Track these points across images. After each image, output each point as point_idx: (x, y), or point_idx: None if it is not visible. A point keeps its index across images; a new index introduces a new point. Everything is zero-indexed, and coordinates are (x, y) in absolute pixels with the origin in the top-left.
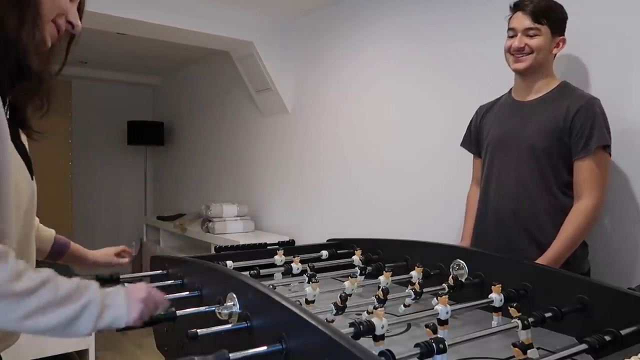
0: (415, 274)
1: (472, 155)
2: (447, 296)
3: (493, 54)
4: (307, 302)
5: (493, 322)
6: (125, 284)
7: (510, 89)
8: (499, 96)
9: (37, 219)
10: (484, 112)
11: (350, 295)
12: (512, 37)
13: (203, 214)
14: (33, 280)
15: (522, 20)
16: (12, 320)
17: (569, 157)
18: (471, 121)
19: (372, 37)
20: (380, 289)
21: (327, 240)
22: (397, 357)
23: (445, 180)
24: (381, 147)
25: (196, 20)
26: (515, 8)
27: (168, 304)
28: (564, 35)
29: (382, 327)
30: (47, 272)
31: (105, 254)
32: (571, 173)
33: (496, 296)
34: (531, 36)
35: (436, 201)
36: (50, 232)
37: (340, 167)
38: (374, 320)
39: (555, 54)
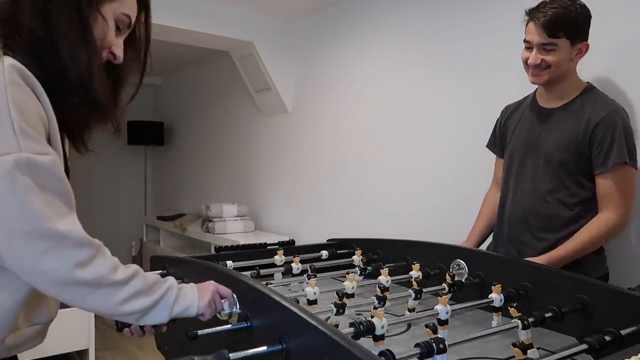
0: (414, 273)
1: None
2: (447, 296)
3: (499, 50)
4: (310, 302)
5: (493, 322)
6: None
7: (536, 90)
8: (524, 96)
9: None
10: (509, 113)
11: (352, 295)
12: (528, 48)
13: (203, 214)
14: (127, 272)
15: (537, 35)
16: (111, 305)
17: (589, 170)
18: (496, 122)
19: (373, 37)
20: (378, 287)
21: (327, 240)
22: (397, 357)
23: (448, 180)
24: (382, 147)
25: (196, 20)
26: (529, 16)
27: (233, 297)
28: (586, 40)
29: (382, 327)
30: (135, 266)
31: None
32: (593, 186)
33: (496, 296)
34: (548, 51)
35: (437, 201)
36: None
37: (341, 167)
38: (374, 320)
39: (578, 61)
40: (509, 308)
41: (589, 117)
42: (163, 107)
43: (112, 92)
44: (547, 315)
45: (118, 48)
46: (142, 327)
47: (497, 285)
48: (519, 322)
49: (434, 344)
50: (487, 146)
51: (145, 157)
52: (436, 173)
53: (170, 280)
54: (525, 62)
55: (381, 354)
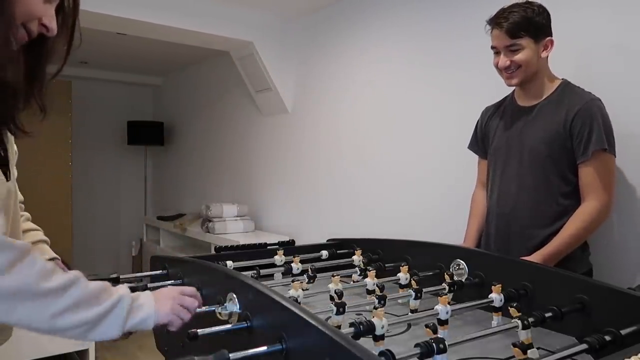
0: (402, 275)
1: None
2: (447, 296)
3: None
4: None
5: (493, 322)
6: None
7: (514, 90)
8: (503, 97)
9: (41, 235)
10: (489, 115)
11: (340, 294)
12: (496, 53)
13: (203, 214)
14: (62, 279)
15: (501, 39)
16: (44, 318)
17: (574, 163)
18: (477, 123)
19: (373, 37)
20: (377, 287)
21: (327, 240)
22: (397, 357)
23: (448, 181)
24: (381, 147)
25: (196, 20)
26: (491, 24)
27: (196, 310)
28: (550, 35)
29: (382, 327)
30: (75, 273)
31: None
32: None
33: (496, 296)
34: (514, 51)
35: (437, 201)
36: (45, 255)
37: (341, 166)
38: (374, 320)
39: (547, 56)
40: (509, 308)
41: (567, 110)
42: (163, 107)
43: (31, 70)
44: (547, 315)
45: (50, 18)
46: None
47: (497, 286)
48: (519, 322)
49: (434, 344)
50: (468, 147)
51: (145, 157)
52: (436, 173)
53: (122, 289)
54: (497, 66)
55: (381, 354)
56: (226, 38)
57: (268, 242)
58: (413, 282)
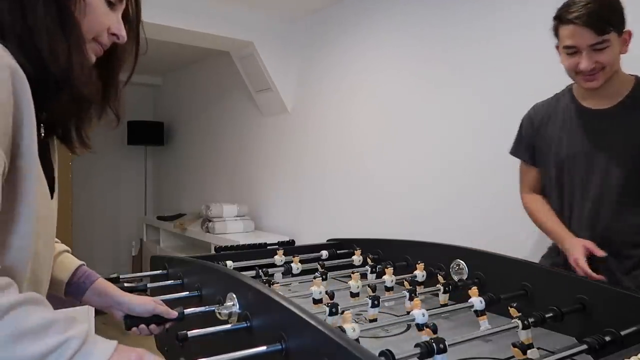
0: (419, 273)
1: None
2: (419, 300)
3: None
4: (315, 301)
5: (480, 327)
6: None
7: (571, 90)
8: (552, 95)
9: (63, 246)
10: (544, 120)
11: (357, 295)
12: (572, 54)
13: (203, 214)
14: (8, 299)
15: (584, 37)
16: None
17: None
18: (522, 126)
19: (373, 37)
20: (369, 287)
21: (327, 240)
22: (397, 357)
23: (447, 181)
24: (382, 147)
25: (196, 20)
26: (562, 20)
27: None
28: (625, 26)
29: (353, 330)
30: (27, 296)
31: (144, 302)
32: None
33: (476, 300)
34: (599, 50)
35: (436, 202)
36: (73, 262)
37: (341, 167)
38: (345, 326)
39: (625, 52)
40: (509, 308)
41: None
42: (163, 107)
43: (105, 81)
44: (547, 315)
45: (118, 25)
46: (147, 326)
47: (474, 289)
48: (519, 322)
49: (434, 344)
50: (512, 153)
51: (145, 157)
52: (435, 174)
53: (73, 329)
54: (574, 69)
55: (381, 354)
56: (226, 38)
57: (268, 242)
58: (405, 283)
